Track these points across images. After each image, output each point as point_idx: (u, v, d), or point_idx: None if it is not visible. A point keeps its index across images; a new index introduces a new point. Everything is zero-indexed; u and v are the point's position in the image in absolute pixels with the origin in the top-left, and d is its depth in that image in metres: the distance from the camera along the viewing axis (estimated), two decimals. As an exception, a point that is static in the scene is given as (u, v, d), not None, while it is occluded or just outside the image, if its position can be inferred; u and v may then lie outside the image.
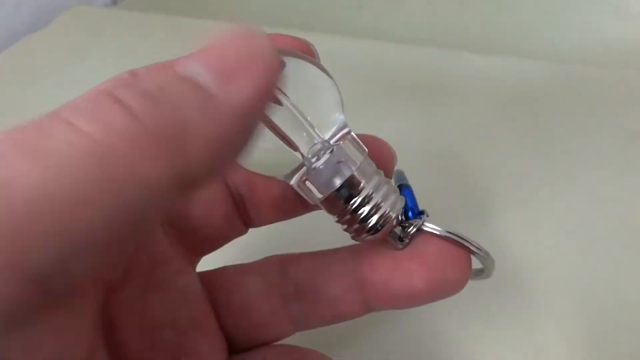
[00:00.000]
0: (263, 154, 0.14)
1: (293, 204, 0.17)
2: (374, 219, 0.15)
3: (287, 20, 0.48)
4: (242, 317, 0.17)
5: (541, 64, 0.38)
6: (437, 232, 0.15)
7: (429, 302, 0.15)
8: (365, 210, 0.15)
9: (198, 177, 0.10)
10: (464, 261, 0.15)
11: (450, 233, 0.15)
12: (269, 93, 0.11)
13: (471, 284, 0.23)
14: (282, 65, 0.12)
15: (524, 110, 0.35)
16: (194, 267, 0.18)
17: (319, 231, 0.19)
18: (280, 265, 0.17)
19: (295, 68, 0.14)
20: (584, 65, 0.38)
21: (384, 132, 0.33)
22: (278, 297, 0.17)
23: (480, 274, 0.16)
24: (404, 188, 0.16)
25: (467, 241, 0.15)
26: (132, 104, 0.10)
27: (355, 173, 0.14)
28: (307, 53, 0.15)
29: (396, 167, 0.18)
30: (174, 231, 0.17)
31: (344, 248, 0.17)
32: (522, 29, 0.44)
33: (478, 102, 0.35)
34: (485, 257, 0.15)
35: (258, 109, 0.11)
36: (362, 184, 0.14)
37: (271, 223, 0.18)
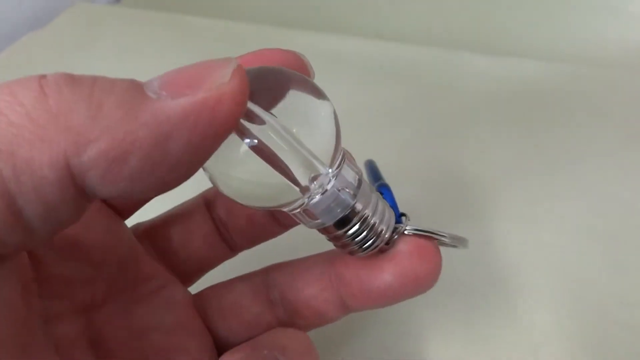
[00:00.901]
0: (259, 188, 0.13)
1: (275, 223, 0.17)
2: (370, 241, 0.15)
3: (287, 20, 0.48)
4: (233, 318, 0.17)
5: (541, 64, 0.38)
6: (409, 232, 0.15)
7: (403, 299, 0.16)
8: (362, 235, 0.15)
9: (93, 174, 0.10)
10: (433, 255, 0.15)
11: (418, 230, 0.15)
12: (212, 116, 0.10)
13: (471, 284, 0.24)
14: (244, 98, 0.11)
15: (524, 110, 0.35)
16: (182, 284, 0.18)
17: (309, 241, 0.19)
18: (264, 274, 0.18)
19: (296, 101, 0.13)
20: (584, 65, 0.38)
21: (383, 131, 0.33)
22: (265, 300, 0.17)
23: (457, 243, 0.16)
24: (383, 188, 0.16)
25: (434, 234, 0.15)
26: (51, 84, 0.10)
27: (357, 204, 0.14)
28: (300, 66, 0.15)
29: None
30: (157, 252, 0.18)
31: (320, 253, 0.17)
32: (522, 29, 0.45)
33: (478, 102, 0.36)
34: (454, 241, 0.15)
35: (189, 125, 0.10)
36: (360, 209, 0.14)
37: (257, 244, 0.19)
